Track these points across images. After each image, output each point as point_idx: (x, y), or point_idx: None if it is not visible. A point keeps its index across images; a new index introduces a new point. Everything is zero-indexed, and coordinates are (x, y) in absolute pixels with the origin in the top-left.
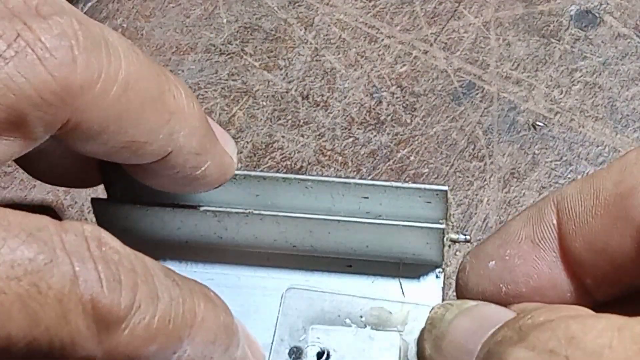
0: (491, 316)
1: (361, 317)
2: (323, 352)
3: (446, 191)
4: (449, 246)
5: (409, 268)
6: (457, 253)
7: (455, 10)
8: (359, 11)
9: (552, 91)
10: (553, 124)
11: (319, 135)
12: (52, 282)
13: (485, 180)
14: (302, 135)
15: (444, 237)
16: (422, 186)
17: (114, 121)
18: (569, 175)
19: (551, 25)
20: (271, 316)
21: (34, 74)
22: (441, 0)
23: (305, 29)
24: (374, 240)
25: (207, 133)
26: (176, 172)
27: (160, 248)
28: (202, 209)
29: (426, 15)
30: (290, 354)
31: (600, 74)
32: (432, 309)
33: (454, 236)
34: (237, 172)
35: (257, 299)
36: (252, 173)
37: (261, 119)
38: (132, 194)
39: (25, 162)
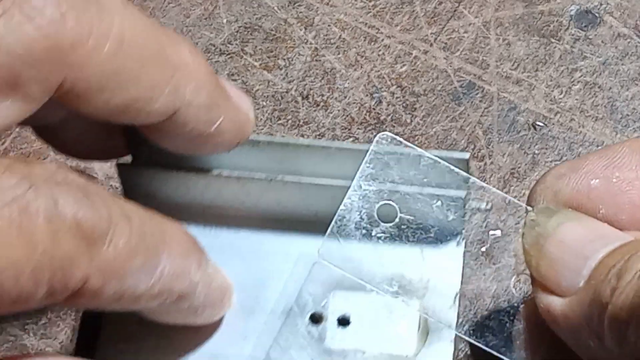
0: (609, 233)
1: (382, 283)
2: (344, 318)
3: (467, 159)
4: (470, 215)
5: (430, 236)
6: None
7: (455, 10)
8: (359, 11)
9: (552, 91)
10: (553, 124)
11: (319, 135)
12: (38, 205)
13: (485, 180)
14: (302, 135)
15: (465, 204)
16: (444, 154)
17: (112, 78)
18: None
19: (551, 25)
20: (293, 281)
21: (23, 33)
22: (441, 0)
23: (305, 29)
24: None
25: (216, 87)
26: (190, 129)
27: (184, 213)
28: (225, 174)
29: (426, 15)
30: (311, 319)
31: (600, 74)
32: (532, 208)
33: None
34: (259, 138)
35: (280, 264)
36: (276, 139)
37: (261, 119)
38: (157, 160)
39: (51, 136)
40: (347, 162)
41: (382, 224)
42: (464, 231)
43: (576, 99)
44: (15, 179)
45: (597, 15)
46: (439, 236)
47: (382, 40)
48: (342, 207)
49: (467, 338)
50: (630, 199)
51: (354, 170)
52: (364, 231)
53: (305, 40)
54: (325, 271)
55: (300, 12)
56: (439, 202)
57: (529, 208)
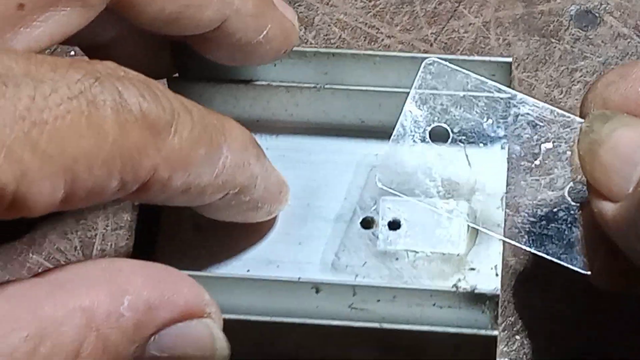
0: None
1: (430, 188)
2: (394, 222)
3: (510, 63)
4: (519, 130)
5: (475, 141)
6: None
7: (455, 10)
8: (359, 11)
9: (552, 91)
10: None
11: None
12: (105, 97)
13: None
14: None
15: (508, 107)
16: (487, 58)
17: None
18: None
19: (551, 25)
20: (341, 189)
21: None
22: (441, 0)
23: (305, 29)
24: None
25: None
26: (238, 38)
27: None
28: (274, 84)
29: (426, 15)
30: (362, 224)
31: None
32: (587, 117)
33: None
34: (305, 49)
35: (328, 172)
36: (322, 50)
37: None
38: (205, 75)
39: (100, 56)
40: (391, 71)
41: (435, 145)
42: (508, 135)
43: (576, 99)
44: (81, 74)
45: (597, 15)
46: (484, 140)
47: (382, 40)
48: (394, 134)
49: (527, 248)
50: None
51: (399, 78)
52: (417, 154)
53: (306, 40)
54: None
55: (300, 12)
56: (485, 107)
57: (578, 119)
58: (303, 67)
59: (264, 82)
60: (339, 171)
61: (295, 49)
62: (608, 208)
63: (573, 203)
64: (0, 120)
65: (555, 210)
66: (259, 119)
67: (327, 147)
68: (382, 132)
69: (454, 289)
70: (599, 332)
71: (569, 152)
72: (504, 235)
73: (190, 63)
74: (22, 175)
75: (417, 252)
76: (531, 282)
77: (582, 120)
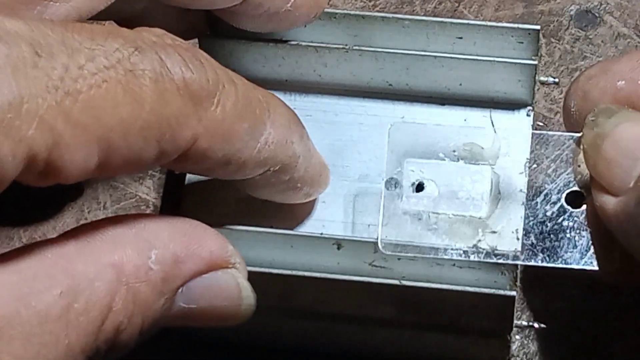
0: None
1: (454, 151)
2: (418, 184)
3: (538, 30)
4: (537, 88)
5: (500, 107)
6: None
7: (455, 10)
8: (359, 11)
9: (552, 91)
10: (553, 124)
11: None
12: (144, 66)
13: None
14: None
15: (535, 73)
16: (515, 25)
17: None
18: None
19: (551, 25)
20: (367, 150)
21: None
22: (441, 0)
23: None
24: (467, 77)
25: None
26: (266, 9)
27: (262, 83)
28: (303, 44)
29: (426, 15)
30: (386, 185)
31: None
32: (593, 111)
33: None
34: (335, 10)
35: (354, 133)
36: (351, 12)
37: None
38: (236, 31)
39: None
40: (420, 34)
41: None
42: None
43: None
44: (119, 43)
45: (597, 15)
46: (510, 104)
47: None
48: None
49: (545, 264)
50: None
51: (427, 42)
52: None
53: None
54: (399, 139)
55: None
56: (510, 72)
57: (550, 133)
58: (332, 28)
59: (293, 42)
60: (364, 133)
61: (325, 10)
62: (609, 202)
63: (574, 210)
64: (33, 90)
65: (559, 221)
66: (288, 79)
67: (354, 108)
68: (409, 95)
69: (474, 249)
70: (599, 331)
71: (552, 165)
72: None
73: (221, 20)
74: (54, 144)
75: (439, 214)
76: (530, 281)
77: (557, 133)
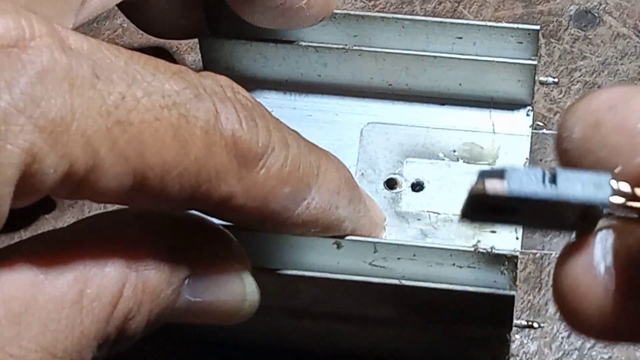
0: None
1: (454, 151)
2: (417, 184)
3: (538, 31)
4: (537, 88)
5: (500, 107)
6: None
7: (455, 10)
8: (359, 11)
9: (552, 91)
10: (553, 123)
11: None
12: (198, 115)
13: None
14: None
15: (535, 73)
16: (515, 25)
17: None
18: None
19: (550, 25)
20: (367, 150)
21: None
22: (441, 0)
23: None
24: (467, 77)
25: None
26: (281, 2)
27: (262, 85)
28: (303, 44)
29: (426, 15)
30: (386, 185)
31: (599, 74)
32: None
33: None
34: (335, 10)
35: (353, 133)
36: (352, 12)
37: None
38: (236, 31)
39: (135, 14)
40: (419, 35)
41: None
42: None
43: (576, 99)
44: (181, 86)
45: (596, 15)
46: (509, 104)
47: None
48: None
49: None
50: None
51: (426, 42)
52: None
53: None
54: (399, 138)
55: None
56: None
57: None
58: (332, 28)
59: (293, 42)
60: (364, 131)
61: None
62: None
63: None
64: (86, 110)
65: None
66: (288, 79)
67: (354, 108)
68: (409, 95)
69: (474, 249)
70: None
71: (552, 165)
72: None
73: (221, 20)
74: (94, 167)
75: (438, 214)
76: (530, 281)
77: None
